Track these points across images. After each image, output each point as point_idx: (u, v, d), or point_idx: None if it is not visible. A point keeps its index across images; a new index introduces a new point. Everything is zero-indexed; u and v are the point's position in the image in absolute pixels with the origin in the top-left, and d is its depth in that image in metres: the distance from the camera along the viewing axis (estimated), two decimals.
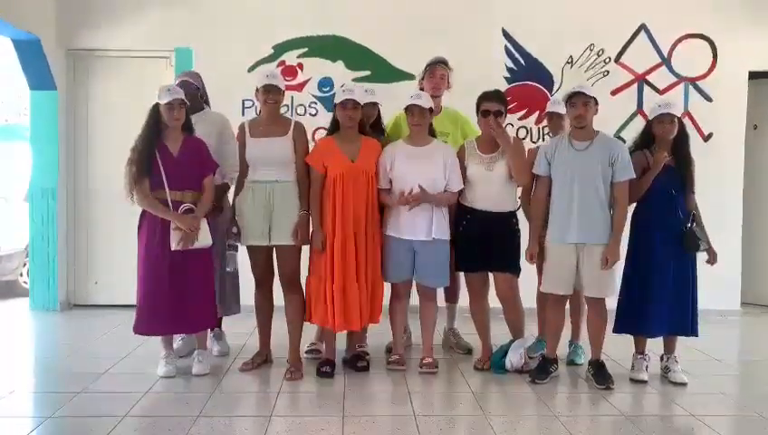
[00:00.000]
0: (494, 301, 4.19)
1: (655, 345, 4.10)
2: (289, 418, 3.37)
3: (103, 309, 5.71)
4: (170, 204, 3.77)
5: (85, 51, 5.81)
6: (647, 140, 3.94)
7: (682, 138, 3.90)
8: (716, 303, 5.44)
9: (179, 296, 3.80)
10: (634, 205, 3.97)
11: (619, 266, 3.91)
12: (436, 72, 4.40)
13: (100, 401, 3.58)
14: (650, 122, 3.93)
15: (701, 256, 3.95)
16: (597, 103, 3.85)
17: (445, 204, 4.04)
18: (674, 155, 3.87)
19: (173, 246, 3.75)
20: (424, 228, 3.97)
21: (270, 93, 3.91)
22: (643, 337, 4.03)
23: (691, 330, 3.95)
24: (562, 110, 4.14)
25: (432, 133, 4.12)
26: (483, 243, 4.02)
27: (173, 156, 3.83)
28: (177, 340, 4.27)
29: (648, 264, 3.90)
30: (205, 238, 3.84)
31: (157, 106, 3.80)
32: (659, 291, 3.86)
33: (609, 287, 3.86)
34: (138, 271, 3.89)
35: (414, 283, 4.18)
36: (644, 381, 3.94)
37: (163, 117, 3.79)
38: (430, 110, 4.03)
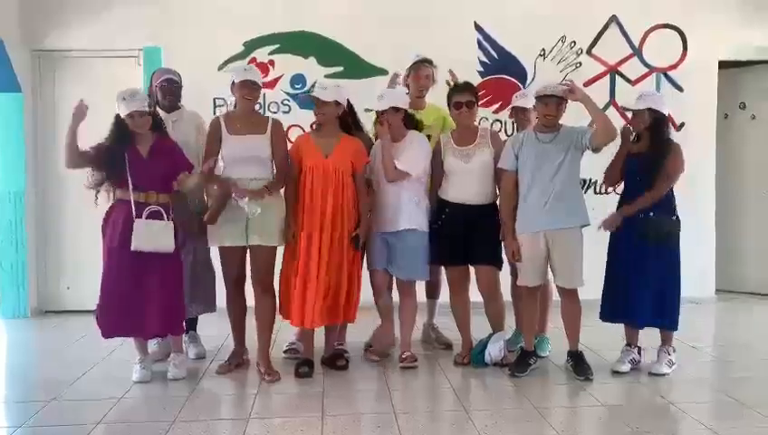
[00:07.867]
0: (472, 295, 4.17)
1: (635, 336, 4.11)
2: (267, 419, 3.33)
3: (76, 315, 5.58)
4: (133, 205, 3.70)
5: (51, 51, 5.68)
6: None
7: (656, 126, 3.88)
8: (691, 290, 5.48)
9: (139, 298, 3.72)
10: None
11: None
12: (421, 71, 4.41)
13: (73, 408, 3.50)
14: None
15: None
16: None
17: (394, 174, 3.94)
18: (650, 142, 3.87)
19: (133, 246, 3.66)
20: (392, 220, 4.01)
21: (248, 89, 3.85)
22: (628, 326, 4.03)
23: (669, 322, 3.93)
24: (527, 104, 4.19)
25: (416, 126, 4.13)
26: (463, 236, 4.01)
27: (142, 157, 3.77)
28: (152, 344, 4.19)
29: (614, 249, 3.96)
30: (167, 242, 3.73)
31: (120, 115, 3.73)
32: (636, 278, 3.85)
33: (578, 277, 3.87)
34: (102, 271, 3.81)
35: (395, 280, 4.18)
36: (624, 373, 3.93)
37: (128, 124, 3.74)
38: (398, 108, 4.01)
